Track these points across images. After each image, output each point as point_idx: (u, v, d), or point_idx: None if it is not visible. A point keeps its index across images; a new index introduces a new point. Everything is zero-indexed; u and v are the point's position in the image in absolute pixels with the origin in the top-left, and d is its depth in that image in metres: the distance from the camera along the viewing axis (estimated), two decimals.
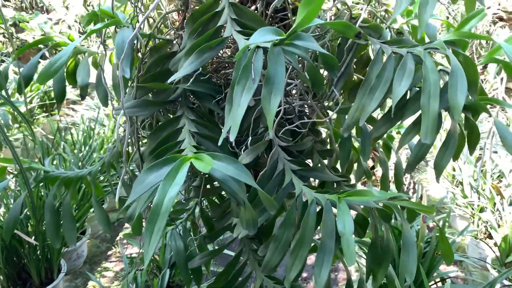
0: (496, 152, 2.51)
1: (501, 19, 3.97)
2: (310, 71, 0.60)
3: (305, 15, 0.44)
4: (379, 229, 0.67)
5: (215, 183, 0.79)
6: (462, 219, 2.46)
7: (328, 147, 0.80)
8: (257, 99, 0.65)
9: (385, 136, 0.89)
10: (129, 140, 0.78)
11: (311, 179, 0.76)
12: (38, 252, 1.71)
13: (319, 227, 0.59)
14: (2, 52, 4.15)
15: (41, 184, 1.63)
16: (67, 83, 0.83)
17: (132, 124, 0.74)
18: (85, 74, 0.81)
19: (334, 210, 0.56)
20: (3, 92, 0.75)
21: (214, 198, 0.92)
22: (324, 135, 0.82)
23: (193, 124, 0.64)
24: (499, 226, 2.06)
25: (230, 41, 0.73)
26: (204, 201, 0.98)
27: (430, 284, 1.54)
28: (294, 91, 0.75)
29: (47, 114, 3.52)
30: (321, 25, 0.65)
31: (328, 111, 0.78)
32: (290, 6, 0.69)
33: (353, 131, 0.72)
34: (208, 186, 0.78)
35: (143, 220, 0.84)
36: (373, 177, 2.73)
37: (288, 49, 0.48)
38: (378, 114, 1.10)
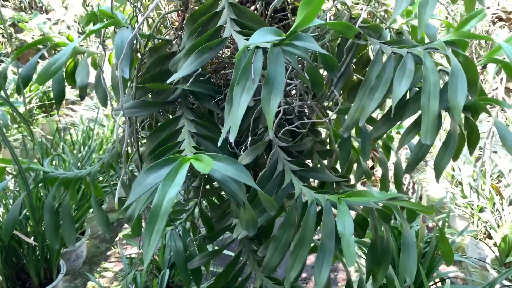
0: (495, 152, 2.52)
1: (500, 19, 3.97)
2: (309, 72, 0.60)
3: (305, 15, 0.44)
4: (379, 230, 0.67)
5: (215, 183, 0.79)
6: (462, 219, 2.46)
7: (328, 147, 0.80)
8: (257, 99, 0.65)
9: (384, 136, 0.89)
10: (129, 141, 0.78)
11: (311, 180, 0.76)
12: (37, 253, 1.71)
13: (318, 228, 0.59)
14: (1, 52, 4.15)
15: (40, 185, 1.63)
16: (66, 84, 0.83)
17: (132, 124, 0.74)
18: (84, 75, 0.81)
19: (334, 210, 0.56)
20: (2, 93, 0.75)
21: (213, 199, 0.92)
22: (323, 135, 0.82)
23: (193, 124, 0.64)
24: (498, 226, 2.06)
25: (229, 41, 0.73)
26: (204, 202, 0.98)
27: (429, 284, 1.54)
28: (293, 92, 0.75)
29: (46, 114, 3.51)
30: (321, 25, 0.65)
31: (328, 111, 0.78)
32: (290, 6, 0.69)
33: (353, 131, 0.72)
34: (207, 187, 0.78)
35: (143, 220, 0.84)
36: (373, 177, 2.74)
37: (288, 50, 0.48)
38: (377, 115, 1.10)
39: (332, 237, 0.54)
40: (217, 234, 0.83)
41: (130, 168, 0.79)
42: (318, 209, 0.59)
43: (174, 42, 0.72)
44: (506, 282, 1.71)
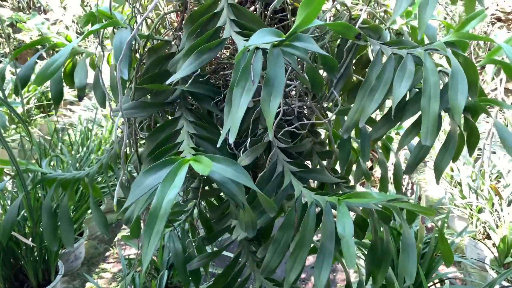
0: (494, 152, 2.52)
1: (499, 19, 3.98)
2: (309, 72, 0.60)
3: (305, 16, 0.44)
4: (379, 231, 0.67)
5: (214, 184, 0.79)
6: (461, 219, 2.46)
7: (328, 148, 0.80)
8: (256, 100, 0.65)
9: (383, 137, 0.89)
10: (127, 142, 0.77)
11: (310, 181, 0.76)
12: (36, 254, 1.70)
13: (318, 229, 0.59)
14: None
15: (38, 186, 1.62)
16: (64, 84, 0.83)
17: (130, 125, 0.74)
18: (83, 75, 0.80)
19: (334, 211, 0.55)
20: (0, 93, 0.74)
21: (212, 200, 0.91)
22: (323, 136, 0.82)
23: (192, 125, 0.64)
24: (497, 226, 2.06)
25: (229, 42, 0.72)
26: (203, 203, 0.98)
27: (429, 285, 1.54)
28: (293, 92, 0.75)
29: (44, 115, 3.51)
30: (321, 26, 0.65)
31: (328, 112, 0.78)
32: (289, 7, 0.69)
33: (352, 132, 0.72)
34: (206, 188, 0.77)
35: (141, 222, 0.83)
36: (371, 178, 2.73)
37: (288, 50, 0.48)
38: (376, 115, 1.10)
39: (332, 239, 0.54)
40: (216, 235, 0.83)
41: (128, 169, 0.79)
42: (317, 210, 0.58)
43: (173, 42, 0.71)
44: (505, 283, 1.71)
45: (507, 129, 0.62)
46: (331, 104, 0.76)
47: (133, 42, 0.67)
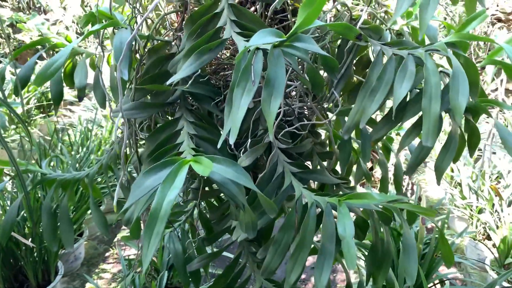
0: (494, 153, 2.52)
1: (499, 20, 3.98)
2: (310, 73, 0.60)
3: (306, 16, 0.44)
4: (379, 232, 0.67)
5: (214, 185, 0.79)
6: (461, 220, 2.46)
7: (328, 149, 0.80)
8: (256, 101, 0.65)
9: (384, 137, 0.89)
10: (127, 142, 0.77)
11: (311, 181, 0.76)
12: (35, 254, 1.70)
13: (318, 230, 0.58)
14: None
15: (38, 186, 1.62)
16: (64, 85, 0.83)
17: (130, 126, 0.74)
18: (83, 76, 0.80)
19: (334, 212, 0.55)
20: (0, 94, 0.74)
21: (212, 201, 0.91)
22: (323, 137, 0.81)
23: (192, 126, 0.64)
24: (497, 227, 2.06)
25: (229, 42, 0.72)
26: (203, 203, 0.98)
27: (429, 286, 1.54)
28: (293, 93, 0.75)
29: (44, 115, 3.50)
30: (321, 26, 0.65)
31: (328, 113, 0.78)
32: (290, 7, 0.68)
33: (353, 133, 0.72)
34: (206, 188, 0.77)
35: (141, 222, 0.83)
36: (372, 178, 2.73)
37: (288, 51, 0.48)
38: (376, 116, 1.10)
39: (333, 240, 0.54)
40: (216, 236, 0.83)
41: (128, 169, 0.78)
42: (318, 211, 0.58)
43: (173, 43, 0.71)
44: (505, 284, 1.71)
45: (507, 129, 0.62)
46: (331, 104, 0.76)
47: (133, 43, 0.67)
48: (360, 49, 0.69)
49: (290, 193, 0.63)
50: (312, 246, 0.67)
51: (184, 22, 0.65)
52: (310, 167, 0.73)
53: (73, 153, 2.24)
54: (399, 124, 0.61)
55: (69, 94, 3.65)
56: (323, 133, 0.84)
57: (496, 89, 3.59)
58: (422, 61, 0.52)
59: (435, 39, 0.69)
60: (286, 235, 0.59)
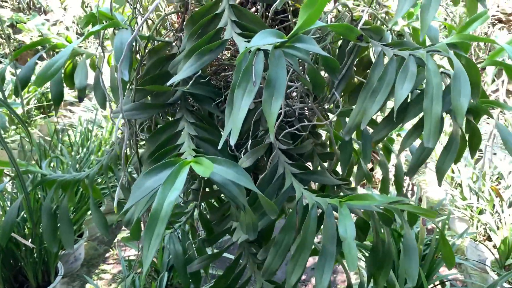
0: (495, 154, 2.52)
1: (500, 21, 3.98)
2: (310, 74, 0.60)
3: (307, 17, 0.44)
4: (380, 233, 0.66)
5: (214, 186, 0.79)
6: (461, 221, 2.46)
7: (329, 150, 0.80)
8: (257, 101, 0.65)
9: (385, 138, 0.89)
10: (128, 143, 0.77)
11: (311, 182, 0.76)
12: (35, 255, 1.70)
13: (319, 231, 0.58)
14: None
15: (38, 187, 1.62)
16: (64, 85, 0.83)
17: (131, 127, 0.74)
18: (83, 76, 0.80)
19: (335, 213, 0.55)
20: (0, 94, 0.74)
21: (213, 201, 0.91)
22: (324, 137, 0.81)
23: (193, 127, 0.64)
24: (498, 228, 2.06)
25: (230, 43, 0.72)
26: (203, 204, 0.97)
27: (429, 287, 1.54)
28: (294, 94, 0.75)
29: (44, 115, 3.50)
30: (322, 27, 0.65)
31: (329, 113, 0.78)
32: (291, 8, 0.68)
33: (353, 134, 0.71)
34: (207, 189, 0.77)
35: (142, 223, 0.83)
36: (372, 179, 2.73)
37: (289, 52, 0.48)
38: (377, 117, 1.10)
39: (334, 241, 0.54)
40: (216, 237, 0.83)
41: (129, 170, 0.78)
42: (318, 212, 0.58)
43: (174, 43, 0.71)
44: (506, 285, 1.71)
45: (509, 131, 0.62)
46: (332, 105, 0.76)
47: (134, 43, 0.67)
48: (361, 50, 0.69)
49: (290, 194, 0.63)
50: (313, 247, 0.66)
51: (184, 22, 0.65)
52: (311, 168, 0.73)
53: (73, 153, 2.24)
54: (400, 125, 0.61)
55: (69, 94, 3.65)
56: (324, 134, 0.83)
57: (497, 90, 3.59)
58: (423, 62, 0.52)
59: (436, 40, 0.69)
60: (287, 236, 0.59)
